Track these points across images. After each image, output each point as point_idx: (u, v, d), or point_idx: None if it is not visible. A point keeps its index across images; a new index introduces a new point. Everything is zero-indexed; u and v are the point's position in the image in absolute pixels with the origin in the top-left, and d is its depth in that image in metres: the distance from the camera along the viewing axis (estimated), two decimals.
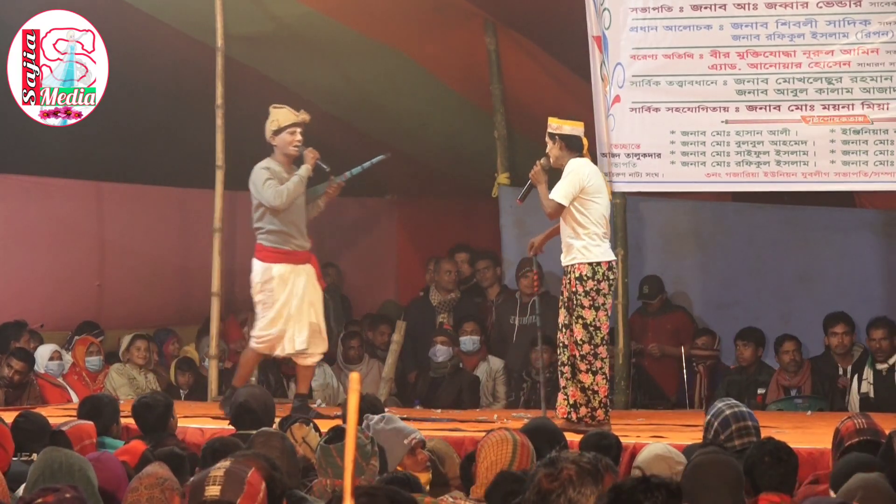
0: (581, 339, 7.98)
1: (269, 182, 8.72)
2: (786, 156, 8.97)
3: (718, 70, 9.03)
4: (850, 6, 8.72)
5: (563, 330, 8.11)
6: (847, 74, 8.76)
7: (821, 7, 8.78)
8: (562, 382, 8.09)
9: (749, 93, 8.98)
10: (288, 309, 8.78)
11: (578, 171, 8.10)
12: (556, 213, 8.08)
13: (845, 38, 8.75)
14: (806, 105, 8.88)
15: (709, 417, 5.97)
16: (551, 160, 8.21)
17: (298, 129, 8.73)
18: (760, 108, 8.98)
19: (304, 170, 8.77)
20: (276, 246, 8.81)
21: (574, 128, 8.28)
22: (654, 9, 9.09)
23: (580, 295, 7.99)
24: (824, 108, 8.83)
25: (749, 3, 8.92)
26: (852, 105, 8.77)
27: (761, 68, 8.93)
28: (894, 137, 8.72)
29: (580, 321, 7.99)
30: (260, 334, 8.91)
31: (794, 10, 8.84)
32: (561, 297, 8.20)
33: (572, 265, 8.06)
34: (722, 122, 9.05)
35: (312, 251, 9.02)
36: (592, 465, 3.03)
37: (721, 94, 9.04)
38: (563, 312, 8.12)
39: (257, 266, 8.91)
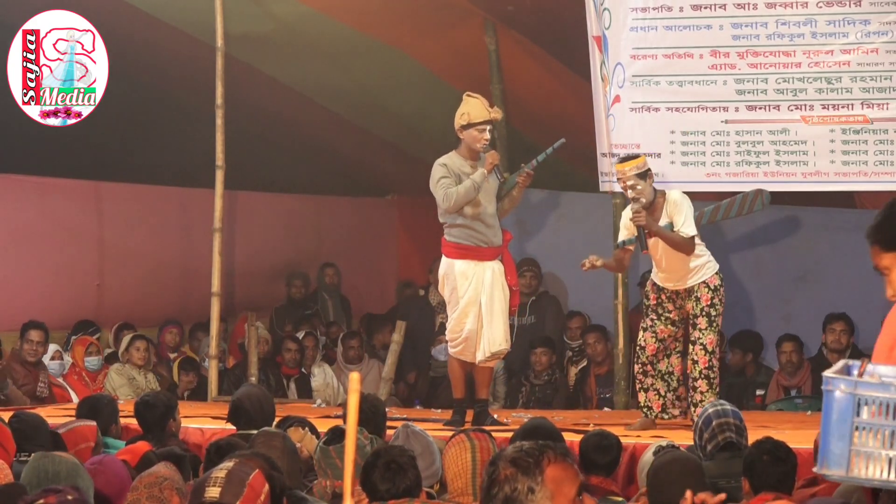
0: (715, 346, 8.14)
1: (442, 181, 8.20)
2: (786, 156, 8.96)
3: (718, 70, 9.02)
4: (850, 6, 8.71)
5: (692, 346, 8.15)
6: (847, 74, 8.76)
7: (821, 7, 8.78)
8: (697, 397, 8.10)
9: (749, 93, 8.98)
10: (475, 307, 8.27)
11: (685, 197, 8.20)
12: (694, 245, 8.09)
13: (845, 38, 8.74)
14: (806, 105, 8.87)
15: (696, 418, 6.11)
16: (644, 198, 8.08)
17: (488, 127, 8.24)
18: (760, 108, 8.98)
19: (479, 175, 8.18)
20: (457, 241, 8.31)
21: (645, 160, 8.28)
22: (654, 9, 9.09)
23: (717, 305, 8.13)
24: (824, 108, 8.83)
25: (749, 3, 8.92)
26: (852, 105, 8.77)
27: (761, 68, 8.93)
28: (894, 137, 8.72)
29: (715, 328, 8.14)
30: (452, 336, 8.43)
31: (794, 10, 8.84)
32: (669, 315, 8.22)
33: (703, 281, 8.12)
34: (722, 122, 9.05)
35: (501, 246, 8.47)
36: (528, 458, 2.99)
37: (721, 94, 9.03)
38: (694, 331, 8.14)
39: (441, 262, 8.45)
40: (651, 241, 8.14)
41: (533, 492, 2.94)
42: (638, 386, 8.40)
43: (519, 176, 8.46)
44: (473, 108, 8.22)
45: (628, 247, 8.31)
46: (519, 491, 2.94)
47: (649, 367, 8.27)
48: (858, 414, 2.93)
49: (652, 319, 8.25)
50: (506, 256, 8.53)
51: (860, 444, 2.93)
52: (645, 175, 8.12)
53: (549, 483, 2.95)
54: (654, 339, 8.23)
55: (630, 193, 8.12)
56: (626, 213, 8.24)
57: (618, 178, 8.24)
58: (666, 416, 8.27)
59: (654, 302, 8.25)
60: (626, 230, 8.28)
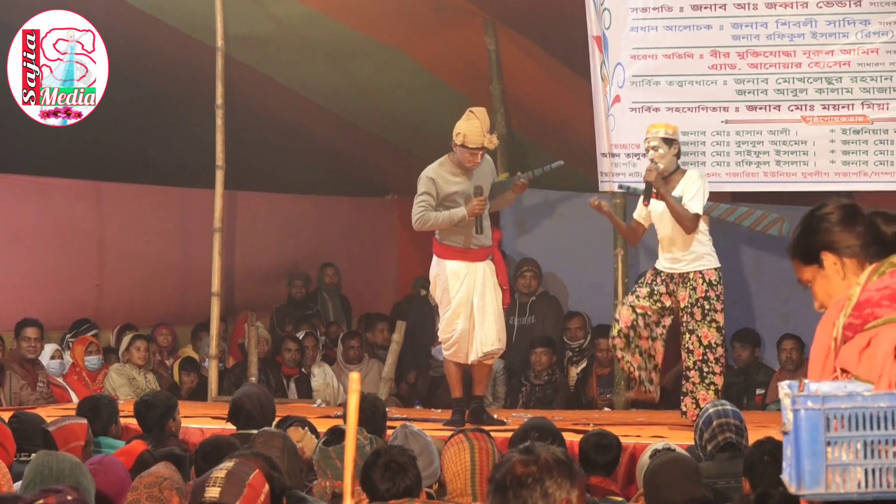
0: (714, 343, 8.10)
1: (423, 197, 8.26)
2: (786, 156, 8.97)
3: (718, 70, 9.03)
4: (850, 6, 8.72)
5: (688, 335, 8.14)
6: (847, 74, 8.76)
7: (821, 7, 8.78)
8: (688, 387, 8.14)
9: (749, 93, 8.98)
10: (466, 308, 8.31)
11: (704, 178, 8.19)
12: (696, 225, 8.07)
13: (845, 38, 8.75)
14: (806, 105, 8.88)
15: (696, 419, 6.14)
16: (662, 164, 8.10)
17: (480, 153, 8.25)
18: (760, 108, 8.98)
19: (461, 215, 8.23)
20: (448, 243, 8.38)
21: (678, 130, 8.27)
22: (654, 9, 9.09)
23: (713, 299, 8.10)
24: (824, 108, 8.84)
25: (749, 3, 8.92)
26: (852, 105, 8.78)
27: (761, 68, 8.93)
28: (894, 137, 8.72)
29: (714, 325, 8.10)
30: (444, 337, 8.45)
31: (794, 10, 8.85)
32: (659, 298, 8.19)
33: (701, 271, 8.11)
34: (722, 122, 9.05)
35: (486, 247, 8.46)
36: (568, 459, 2.91)
37: (721, 94, 9.04)
38: (690, 321, 8.12)
39: (433, 263, 8.52)
40: (658, 213, 8.14)
41: (570, 494, 2.87)
42: (618, 357, 8.41)
43: (514, 183, 8.53)
44: (470, 132, 8.20)
45: (641, 204, 8.27)
46: (560, 486, 2.84)
47: (619, 340, 8.24)
48: (829, 429, 2.93)
49: (637, 295, 8.22)
50: (496, 256, 8.57)
51: (834, 458, 2.92)
52: (671, 143, 8.14)
53: (578, 488, 2.88)
54: (630, 312, 8.20)
55: (650, 154, 8.14)
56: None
57: (645, 138, 8.23)
58: (644, 387, 8.26)
59: (650, 280, 8.24)
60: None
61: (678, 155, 8.23)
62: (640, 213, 8.35)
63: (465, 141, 8.19)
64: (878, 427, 2.92)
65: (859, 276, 3.33)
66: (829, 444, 2.92)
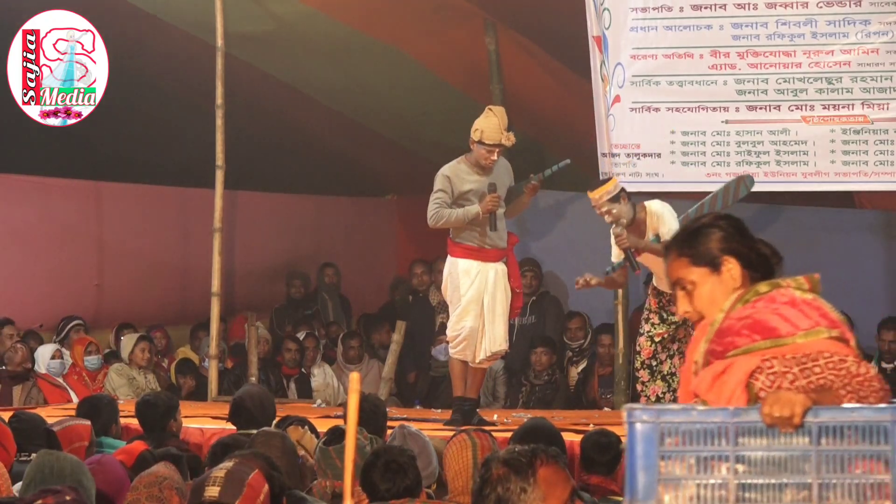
0: None
1: (438, 195, 8.27)
2: (786, 156, 8.97)
3: (718, 70, 9.03)
4: (850, 6, 8.72)
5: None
6: (847, 74, 8.77)
7: (821, 7, 8.79)
8: None
9: (749, 93, 8.99)
10: (476, 306, 8.31)
11: (665, 205, 8.07)
12: None
13: (845, 38, 8.75)
14: (806, 105, 8.88)
15: None
16: (624, 219, 7.93)
17: (498, 150, 8.28)
18: (760, 108, 8.98)
19: (474, 212, 8.23)
20: (462, 241, 8.35)
21: (616, 182, 8.13)
22: (654, 9, 9.09)
23: None
24: (824, 108, 8.84)
25: (749, 3, 8.92)
26: (852, 105, 8.78)
27: (761, 68, 8.93)
28: (894, 137, 8.73)
29: None
30: (452, 334, 8.44)
31: (794, 10, 8.85)
32: (672, 318, 8.08)
33: None
34: (722, 122, 9.05)
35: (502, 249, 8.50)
36: (520, 458, 3.01)
37: (721, 94, 9.04)
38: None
39: (446, 262, 8.50)
40: (642, 256, 8.08)
41: (525, 492, 2.95)
42: (639, 389, 8.41)
43: (525, 186, 8.54)
44: (488, 128, 8.21)
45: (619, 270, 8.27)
46: (511, 491, 2.95)
47: (643, 373, 8.24)
48: (662, 443, 2.89)
49: (652, 324, 8.20)
50: (510, 259, 8.56)
51: (667, 473, 2.89)
52: (618, 197, 7.93)
53: (542, 484, 2.95)
54: (649, 343, 8.20)
55: (608, 219, 7.97)
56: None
57: (592, 206, 8.05)
58: None
59: (656, 306, 8.22)
60: (615, 252, 8.20)
61: (628, 196, 8.03)
62: (617, 257, 8.19)
63: (483, 137, 8.20)
64: (712, 443, 2.90)
65: (731, 296, 3.31)
66: (662, 458, 2.89)
